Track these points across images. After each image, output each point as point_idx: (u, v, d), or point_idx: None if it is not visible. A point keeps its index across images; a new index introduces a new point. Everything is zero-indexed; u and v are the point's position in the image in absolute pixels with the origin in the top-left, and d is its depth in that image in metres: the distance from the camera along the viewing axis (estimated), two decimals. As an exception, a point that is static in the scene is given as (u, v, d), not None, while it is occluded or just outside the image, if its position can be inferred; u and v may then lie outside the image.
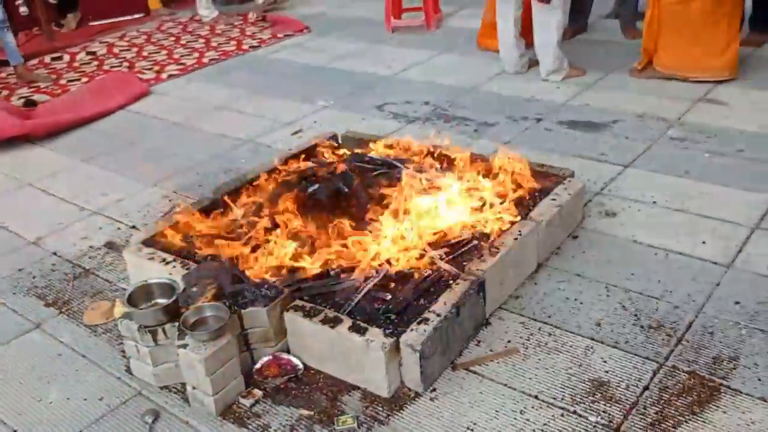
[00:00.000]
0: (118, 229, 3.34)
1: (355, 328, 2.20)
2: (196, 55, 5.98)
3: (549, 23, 4.43)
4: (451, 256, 2.56)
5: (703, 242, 2.82)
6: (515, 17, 4.62)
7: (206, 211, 3.00)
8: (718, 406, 2.04)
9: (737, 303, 2.46)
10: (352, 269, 2.50)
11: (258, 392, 2.25)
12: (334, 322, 2.23)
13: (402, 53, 5.56)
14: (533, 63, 4.80)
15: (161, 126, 4.54)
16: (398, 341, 2.15)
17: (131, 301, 2.28)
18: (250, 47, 6.10)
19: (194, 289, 2.35)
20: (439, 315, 2.22)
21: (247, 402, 2.21)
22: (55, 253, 3.17)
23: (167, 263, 2.62)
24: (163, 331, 2.23)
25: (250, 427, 2.13)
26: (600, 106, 4.22)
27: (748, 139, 3.62)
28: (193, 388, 2.19)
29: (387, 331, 2.18)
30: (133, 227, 3.34)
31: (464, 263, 2.50)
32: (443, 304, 2.27)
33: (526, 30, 4.72)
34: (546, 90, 4.53)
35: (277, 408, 2.19)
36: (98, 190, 3.72)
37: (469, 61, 5.23)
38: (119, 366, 2.43)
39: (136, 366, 2.35)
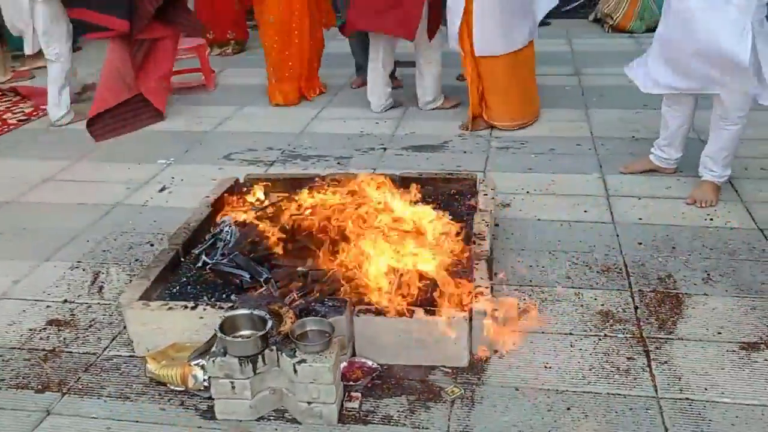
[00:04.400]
0: (48, 306, 2.99)
1: (430, 312, 2.49)
2: (-43, 135, 5.26)
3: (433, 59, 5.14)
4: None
5: (585, 211, 3.66)
6: (386, 61, 5.23)
7: (175, 262, 2.95)
8: (687, 306, 2.80)
9: (639, 243, 3.31)
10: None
11: (357, 394, 2.38)
12: (410, 313, 2.49)
13: (203, 110, 5.65)
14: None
15: (-9, 207, 4.02)
16: (471, 312, 2.50)
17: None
18: (18, 121, 5.55)
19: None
20: (487, 287, 2.62)
21: (353, 404, 2.34)
22: (-12, 346, 2.74)
23: (193, 309, 2.56)
24: (262, 358, 2.25)
25: (373, 422, 2.28)
26: (424, 133, 4.94)
27: (552, 142, 4.65)
28: (309, 403, 2.25)
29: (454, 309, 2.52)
30: (65, 301, 3.02)
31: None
32: (480, 278, 2.68)
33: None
34: (369, 126, 5.11)
35: (384, 401, 2.36)
36: (-24, 278, 3.24)
37: (276, 111, 5.57)
38: (190, 415, 2.33)
39: (224, 406, 2.28)
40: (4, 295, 3.10)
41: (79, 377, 2.54)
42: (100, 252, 3.43)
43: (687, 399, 2.31)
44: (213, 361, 2.23)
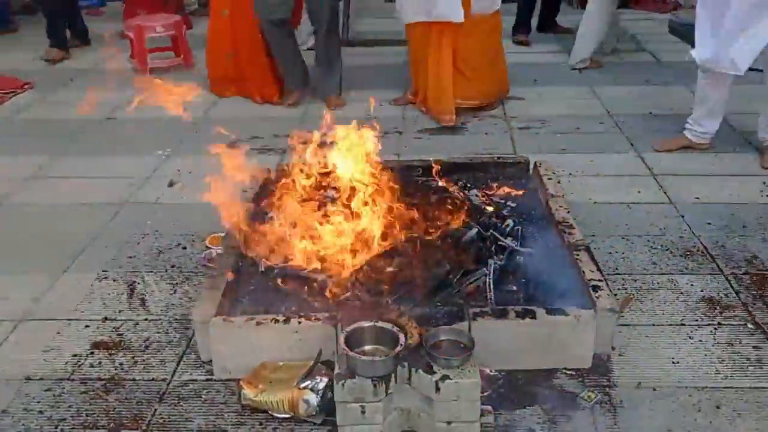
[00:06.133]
0: (87, 326, 2.59)
1: (553, 312, 2.27)
2: None
3: None
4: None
5: (638, 192, 3.51)
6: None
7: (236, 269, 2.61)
8: (787, 286, 2.70)
9: (708, 223, 3.19)
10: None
11: (488, 407, 2.13)
12: (531, 314, 2.25)
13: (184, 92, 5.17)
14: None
15: (-24, 210, 3.50)
16: (596, 309, 2.29)
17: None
18: (-25, 112, 4.95)
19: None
20: (601, 280, 2.42)
21: (488, 419, 2.09)
22: (29, 378, 2.33)
23: (286, 322, 2.24)
24: (395, 377, 1.97)
25: (517, 437, 2.05)
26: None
27: (573, 121, 4.49)
28: (449, 423, 1.99)
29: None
30: (106, 319, 2.62)
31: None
32: (589, 270, 2.48)
33: None
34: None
35: (518, 413, 2.13)
36: (-15, 297, 2.78)
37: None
38: (307, 448, 2.03)
39: (351, 434, 2.00)
40: (27, 315, 2.66)
41: (155, 410, 2.18)
42: (125, 259, 3.03)
43: (838, 388, 2.19)
44: (342, 384, 1.93)
